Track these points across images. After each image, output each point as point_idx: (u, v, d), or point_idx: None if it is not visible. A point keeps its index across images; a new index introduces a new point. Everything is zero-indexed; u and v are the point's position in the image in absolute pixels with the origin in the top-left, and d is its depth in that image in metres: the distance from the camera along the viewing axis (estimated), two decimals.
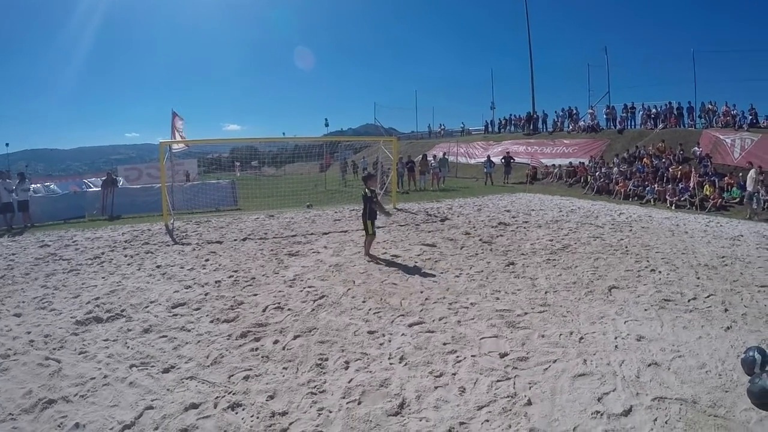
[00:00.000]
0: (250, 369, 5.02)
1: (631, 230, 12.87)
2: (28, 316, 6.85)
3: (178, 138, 18.66)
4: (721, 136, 22.96)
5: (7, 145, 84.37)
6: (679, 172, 20.52)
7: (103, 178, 22.15)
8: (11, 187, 15.96)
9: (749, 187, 16.90)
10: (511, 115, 42.36)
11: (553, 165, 29.01)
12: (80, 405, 4.38)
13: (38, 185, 23.70)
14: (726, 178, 19.32)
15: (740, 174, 19.06)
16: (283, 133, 70.21)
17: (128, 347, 5.66)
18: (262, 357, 5.34)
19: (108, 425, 4.03)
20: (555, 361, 5.10)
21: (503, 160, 29.09)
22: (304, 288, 7.90)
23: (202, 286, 8.12)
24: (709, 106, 27.28)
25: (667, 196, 18.99)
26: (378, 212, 9.88)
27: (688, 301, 7.04)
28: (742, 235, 12.25)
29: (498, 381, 4.68)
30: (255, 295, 7.60)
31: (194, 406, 4.30)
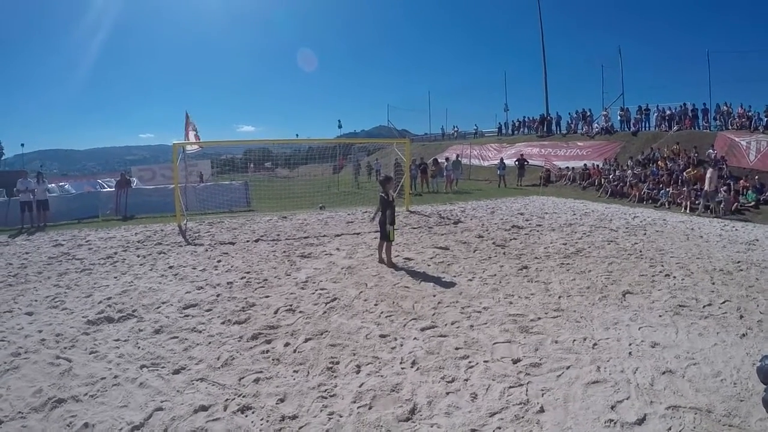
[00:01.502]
0: (261, 371, 5.01)
1: (645, 234, 12.75)
2: (40, 314, 6.90)
3: (192, 139, 18.72)
4: (737, 138, 22.68)
5: (22, 145, 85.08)
6: (694, 175, 20.29)
7: (117, 178, 22.27)
8: (31, 186, 16.11)
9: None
10: (524, 117, 42.20)
11: (567, 167, 28.82)
12: (90, 405, 4.40)
13: (53, 185, 23.89)
14: (741, 181, 19.08)
15: (756, 177, 18.84)
16: (297, 135, 70.51)
17: (139, 348, 5.67)
18: (273, 359, 5.32)
19: (117, 426, 4.04)
20: (568, 368, 5.04)
21: (517, 163, 28.95)
22: (316, 290, 7.88)
23: (214, 287, 8.13)
24: (725, 107, 26.98)
25: (681, 200, 18.79)
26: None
27: (703, 307, 6.95)
28: (757, 240, 12.10)
29: (510, 387, 4.63)
30: (267, 296, 7.60)
31: (204, 408, 4.29)
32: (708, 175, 17.66)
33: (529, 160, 29.99)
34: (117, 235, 13.57)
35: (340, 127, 70.32)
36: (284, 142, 31.17)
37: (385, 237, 9.41)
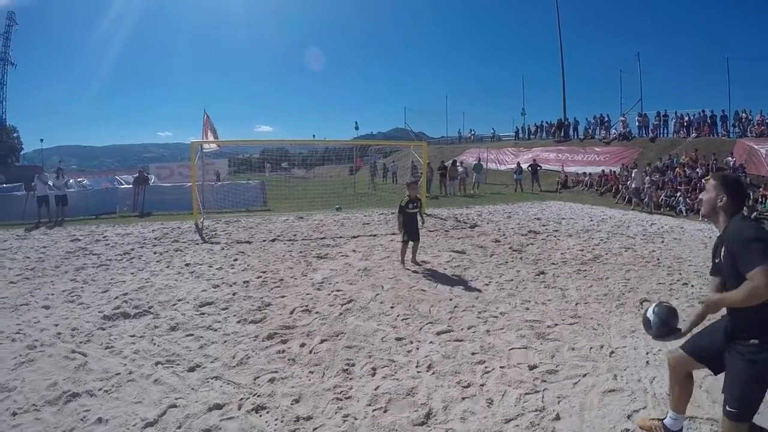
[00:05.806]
0: (276, 371, 4.99)
1: (662, 241, 12.62)
2: (56, 308, 6.96)
3: (210, 137, 18.84)
4: (756, 146, 22.41)
5: (41, 140, 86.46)
6: None
7: (135, 175, 22.46)
8: (47, 180, 16.33)
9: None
10: (542, 121, 42.12)
11: (584, 173, 28.63)
12: (104, 400, 4.40)
13: (71, 180, 24.17)
14: (760, 189, 18.84)
15: None
16: (314, 136, 70.84)
17: (154, 344, 5.68)
18: (289, 360, 5.30)
19: (131, 421, 4.03)
20: (585, 375, 4.98)
21: (530, 168, 28.82)
22: (332, 291, 7.87)
23: (230, 286, 8.15)
24: (744, 114, 26.68)
25: (699, 207, 18.55)
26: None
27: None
28: None
29: (526, 394, 4.57)
30: (283, 296, 7.60)
31: (218, 406, 4.28)
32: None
33: (543, 165, 29.82)
34: (134, 232, 13.67)
35: (357, 128, 70.24)
36: (301, 142, 31.22)
37: (414, 237, 9.57)
